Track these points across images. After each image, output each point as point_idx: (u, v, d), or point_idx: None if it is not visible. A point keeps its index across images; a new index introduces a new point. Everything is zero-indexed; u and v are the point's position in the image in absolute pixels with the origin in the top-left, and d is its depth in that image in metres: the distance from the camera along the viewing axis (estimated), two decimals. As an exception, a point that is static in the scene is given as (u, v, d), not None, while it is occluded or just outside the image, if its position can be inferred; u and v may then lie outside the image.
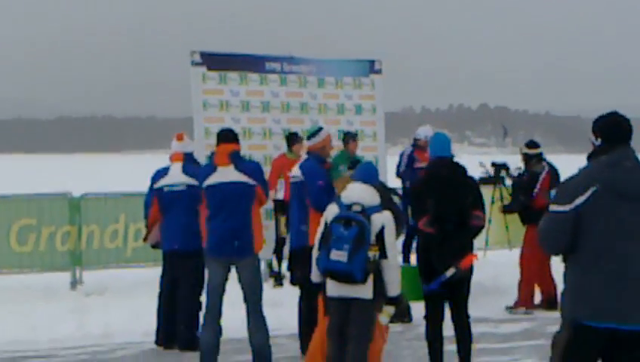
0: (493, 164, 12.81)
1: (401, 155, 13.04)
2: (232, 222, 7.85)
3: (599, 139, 5.19)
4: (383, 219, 6.84)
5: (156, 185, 8.70)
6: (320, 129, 9.32)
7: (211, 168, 8.00)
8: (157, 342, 9.30)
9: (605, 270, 4.96)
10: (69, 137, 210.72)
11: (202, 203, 8.15)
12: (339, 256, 6.65)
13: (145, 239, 9.17)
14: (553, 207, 5.14)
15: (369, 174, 7.19)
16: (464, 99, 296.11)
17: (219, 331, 7.99)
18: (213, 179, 7.89)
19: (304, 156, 9.36)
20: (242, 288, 8.02)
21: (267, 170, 11.33)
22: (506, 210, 12.06)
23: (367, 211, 6.79)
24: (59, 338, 9.72)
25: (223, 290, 8.00)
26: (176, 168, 8.66)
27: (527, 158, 11.21)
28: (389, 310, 6.97)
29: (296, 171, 8.96)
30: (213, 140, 11.24)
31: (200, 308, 8.69)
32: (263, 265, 11.97)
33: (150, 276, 11.77)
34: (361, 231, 6.67)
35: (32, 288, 11.55)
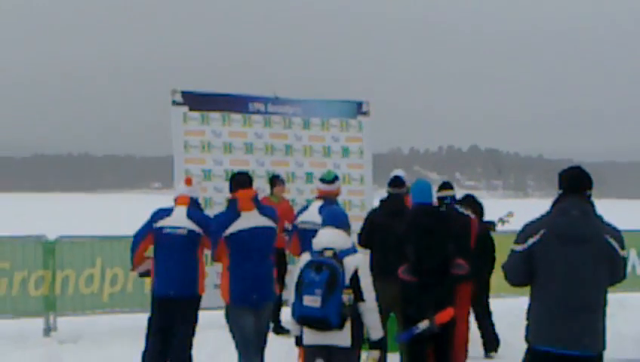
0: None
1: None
2: (261, 267, 7.76)
3: (560, 190, 5.96)
4: (356, 261, 6.56)
5: (156, 225, 8.29)
6: (336, 176, 9.41)
7: (235, 214, 7.79)
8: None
9: (550, 300, 5.69)
10: (45, 176, 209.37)
11: (201, 249, 8.19)
12: (312, 301, 6.40)
13: (133, 269, 8.62)
14: (512, 246, 5.88)
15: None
16: (454, 140, 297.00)
17: None
18: (239, 225, 7.73)
19: (317, 202, 9.25)
20: (255, 333, 7.80)
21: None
22: None
23: (339, 255, 6.53)
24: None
25: (252, 338, 7.81)
26: (181, 211, 8.34)
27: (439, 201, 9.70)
28: (374, 355, 6.61)
29: (313, 217, 8.81)
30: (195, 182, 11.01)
31: (191, 360, 8.29)
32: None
33: (127, 323, 11.44)
34: (332, 275, 6.41)
35: (3, 335, 11.13)
